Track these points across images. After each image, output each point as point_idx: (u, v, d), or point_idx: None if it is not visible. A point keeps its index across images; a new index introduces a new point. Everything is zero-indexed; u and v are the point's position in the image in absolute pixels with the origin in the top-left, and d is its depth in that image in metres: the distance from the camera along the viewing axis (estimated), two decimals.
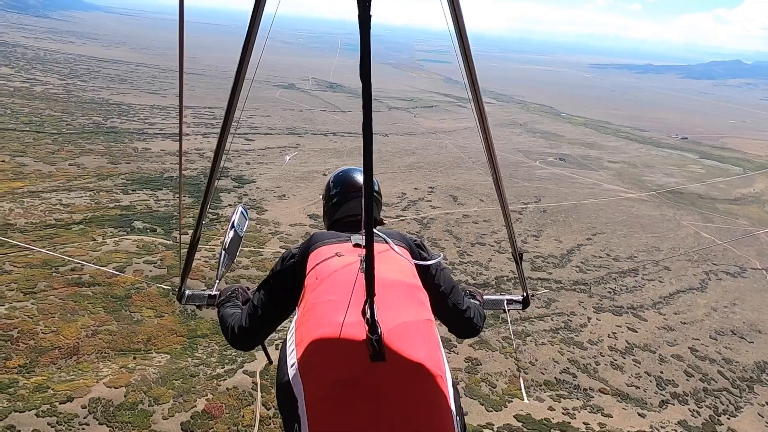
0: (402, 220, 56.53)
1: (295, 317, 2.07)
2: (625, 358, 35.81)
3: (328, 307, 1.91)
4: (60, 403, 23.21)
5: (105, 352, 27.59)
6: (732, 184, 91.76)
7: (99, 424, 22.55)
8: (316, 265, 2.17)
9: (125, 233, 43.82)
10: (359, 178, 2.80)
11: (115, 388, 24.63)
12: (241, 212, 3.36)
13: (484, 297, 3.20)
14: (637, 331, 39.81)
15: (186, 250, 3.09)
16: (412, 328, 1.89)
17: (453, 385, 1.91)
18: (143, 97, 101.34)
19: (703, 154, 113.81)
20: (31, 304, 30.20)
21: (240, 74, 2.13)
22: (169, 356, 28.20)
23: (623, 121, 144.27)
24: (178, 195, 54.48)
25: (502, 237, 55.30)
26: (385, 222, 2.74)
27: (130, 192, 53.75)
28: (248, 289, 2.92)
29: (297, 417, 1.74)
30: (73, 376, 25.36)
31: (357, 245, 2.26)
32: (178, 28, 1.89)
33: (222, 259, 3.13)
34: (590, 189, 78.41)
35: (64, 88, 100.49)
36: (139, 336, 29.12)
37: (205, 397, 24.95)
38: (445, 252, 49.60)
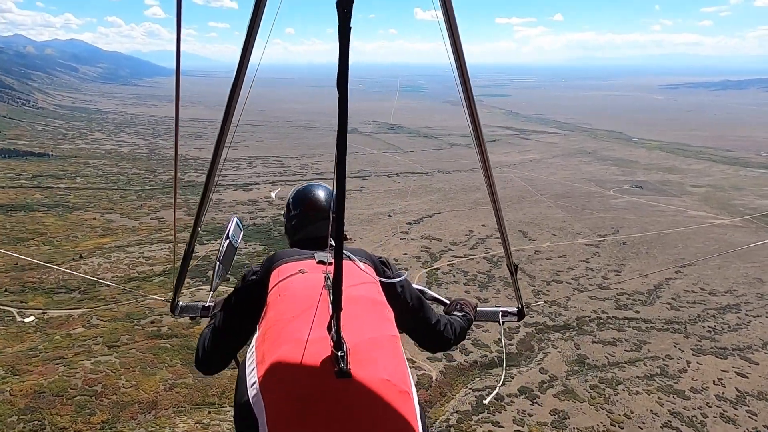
0: (471, 259, 54.78)
1: (256, 335, 1.97)
2: (737, 409, 31.48)
3: (291, 324, 1.86)
4: None
5: (182, 407, 27.86)
6: None
7: None
8: (279, 282, 2.11)
9: (200, 283, 45.30)
10: (321, 196, 2.80)
11: None
12: (236, 223, 3.33)
13: (478, 309, 3.18)
14: (748, 377, 35.15)
15: (180, 261, 3.04)
16: (378, 344, 1.84)
17: (418, 402, 1.84)
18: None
19: None
20: (115, 357, 31.42)
21: (240, 74, 1.99)
22: None
23: (704, 142, 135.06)
24: (249, 243, 56.13)
25: (580, 273, 52.05)
26: (349, 238, 2.52)
27: (206, 242, 56.03)
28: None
29: None
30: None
31: (321, 262, 2.24)
32: (176, 28, 1.86)
33: (216, 270, 3.09)
34: (673, 216, 72.91)
35: (147, 147, 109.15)
36: (214, 389, 29.25)
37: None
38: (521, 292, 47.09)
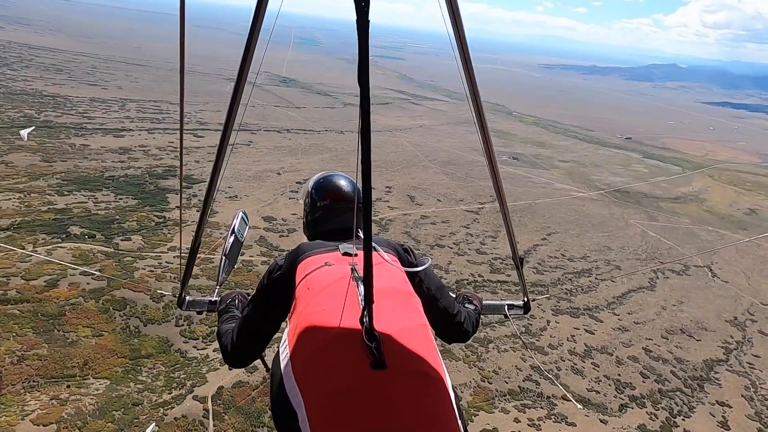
0: None
1: (287, 330, 2.01)
2: (584, 362, 36.07)
3: (322, 317, 1.87)
4: None
5: (33, 381, 24.67)
6: (673, 183, 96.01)
7: None
8: (306, 275, 2.11)
9: (60, 240, 40.20)
10: (347, 187, 2.77)
11: (44, 425, 21.89)
12: (242, 217, 3.34)
13: (484, 302, 3.20)
14: (594, 333, 40.31)
15: (187, 255, 3.08)
16: (410, 333, 1.86)
17: (453, 389, 1.88)
18: (81, 88, 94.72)
19: (645, 153, 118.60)
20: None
21: (242, 73, 1.97)
22: (108, 382, 25.52)
23: (572, 121, 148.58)
24: (119, 196, 50.79)
25: (461, 239, 55.05)
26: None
27: (66, 193, 49.59)
28: (248, 296, 2.81)
29: (297, 430, 1.70)
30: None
31: (346, 254, 2.23)
32: (180, 27, 1.83)
33: (222, 264, 3.09)
34: (543, 188, 79.77)
35: None
36: (74, 359, 26.25)
37: (151, 430, 22.73)
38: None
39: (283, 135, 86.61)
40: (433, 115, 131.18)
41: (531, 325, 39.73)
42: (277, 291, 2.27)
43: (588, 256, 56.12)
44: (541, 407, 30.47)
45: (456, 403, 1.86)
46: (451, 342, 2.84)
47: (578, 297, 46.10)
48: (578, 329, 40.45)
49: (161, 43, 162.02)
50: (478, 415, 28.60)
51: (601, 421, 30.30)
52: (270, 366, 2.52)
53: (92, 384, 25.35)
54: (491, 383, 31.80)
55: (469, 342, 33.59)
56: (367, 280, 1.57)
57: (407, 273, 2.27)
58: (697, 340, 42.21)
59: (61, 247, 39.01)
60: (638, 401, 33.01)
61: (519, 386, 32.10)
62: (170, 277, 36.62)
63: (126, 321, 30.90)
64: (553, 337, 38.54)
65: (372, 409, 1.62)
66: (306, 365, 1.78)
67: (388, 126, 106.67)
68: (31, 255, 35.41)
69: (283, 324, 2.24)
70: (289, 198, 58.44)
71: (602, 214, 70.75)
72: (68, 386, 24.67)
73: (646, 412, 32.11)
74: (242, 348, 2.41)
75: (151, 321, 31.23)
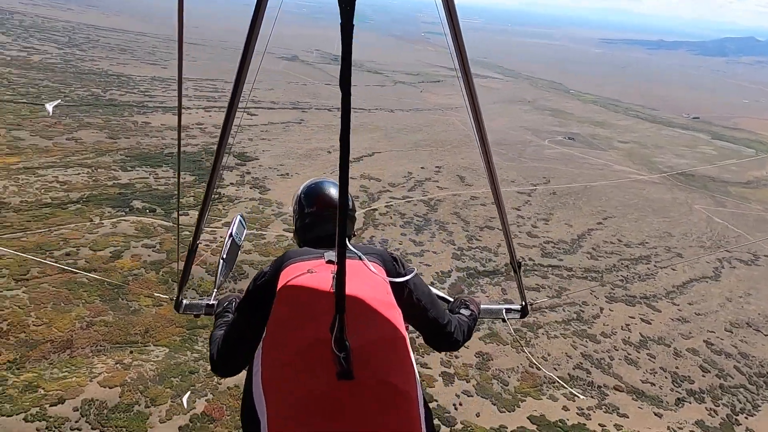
0: (408, 201, 54.99)
1: (264, 335, 1.98)
2: (639, 353, 34.71)
3: (296, 325, 1.86)
4: (50, 406, 22.08)
5: (100, 345, 26.39)
6: (744, 166, 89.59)
7: (92, 429, 21.41)
8: (287, 282, 2.09)
9: (123, 213, 42.39)
10: (333, 194, 2.75)
11: (110, 387, 23.39)
12: (240, 221, 3.34)
13: (482, 307, 3.17)
14: (651, 323, 38.64)
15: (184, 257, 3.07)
16: (383, 345, 1.84)
17: (425, 406, 1.85)
18: (143, 68, 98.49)
19: (714, 134, 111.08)
20: (23, 292, 28.90)
21: (243, 69, 1.86)
22: (167, 350, 26.92)
23: (634, 99, 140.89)
24: (178, 179, 52.86)
25: (511, 221, 53.79)
26: (355, 235, 2.72)
27: (129, 169, 52.10)
28: None
29: None
30: (66, 373, 24.19)
31: (330, 262, 2.21)
32: (178, 27, 1.77)
33: (220, 268, 3.10)
34: (600, 170, 76.48)
35: (62, 57, 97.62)
36: (137, 327, 27.83)
37: (205, 398, 23.80)
38: (453, 236, 48.19)
39: (334, 113, 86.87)
40: (485, 93, 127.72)
41: (583, 312, 38.54)
42: (260, 298, 2.23)
43: (647, 243, 53.56)
44: (592, 396, 29.65)
45: (425, 422, 1.81)
46: (442, 350, 2.82)
47: (635, 285, 44.22)
48: (633, 318, 38.88)
49: (218, 23, 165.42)
50: (525, 401, 28.18)
51: (656, 415, 29.16)
52: None
53: (153, 351, 26.85)
54: (539, 369, 31.21)
55: (517, 326, 33.14)
56: (339, 287, 1.51)
57: (395, 284, 2.24)
58: (766, 335, 39.67)
59: (125, 220, 41.14)
60: (697, 396, 31.50)
61: (569, 374, 31.34)
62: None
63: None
64: (606, 325, 37.25)
65: (334, 419, 1.61)
66: (274, 373, 1.76)
67: (438, 104, 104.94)
68: (99, 227, 37.63)
69: None
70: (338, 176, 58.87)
71: (664, 199, 67.15)
72: (131, 352, 26.23)
73: (705, 407, 30.62)
74: (227, 356, 2.37)
75: (207, 293, 32.47)
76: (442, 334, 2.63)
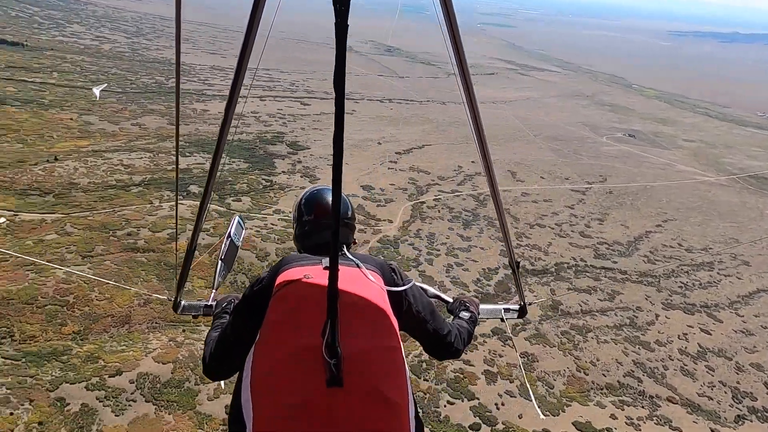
0: (457, 195, 54.32)
1: (256, 340, 1.97)
2: (696, 364, 32.86)
3: (288, 330, 1.84)
4: (109, 376, 23.44)
5: (155, 323, 27.72)
6: None
7: (145, 401, 22.62)
8: (282, 287, 2.08)
9: (181, 197, 44.12)
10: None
11: (163, 363, 24.59)
12: (238, 222, 3.37)
13: (481, 307, 3.12)
14: (711, 334, 36.48)
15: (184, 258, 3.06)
16: (376, 354, 1.81)
17: (415, 416, 1.82)
18: (204, 57, 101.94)
19: None
20: (88, 268, 30.75)
21: (240, 73, 1.86)
22: None
23: (703, 95, 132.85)
24: (232, 159, 54.43)
25: (563, 219, 52.16)
26: (356, 243, 2.72)
27: (188, 155, 54.08)
28: None
29: None
30: (124, 347, 25.60)
31: (327, 268, 2.13)
32: (176, 28, 1.80)
33: (218, 269, 3.12)
34: (662, 170, 72.73)
35: (130, 46, 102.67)
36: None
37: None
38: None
39: (385, 104, 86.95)
40: (541, 86, 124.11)
41: (636, 317, 36.90)
42: (256, 303, 2.21)
43: (710, 248, 50.53)
44: (643, 407, 28.33)
45: (416, 430, 1.78)
46: (443, 359, 3.01)
47: (695, 292, 41.85)
48: (692, 327, 36.85)
49: (273, 13, 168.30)
50: (570, 405, 27.31)
51: (712, 431, 27.56)
52: None
53: (203, 331, 27.89)
54: (587, 374, 30.13)
55: (565, 328, 32.12)
56: (332, 293, 1.50)
57: (396, 295, 2.23)
58: None
59: (181, 203, 42.84)
60: (759, 414, 29.50)
61: (618, 381, 30.09)
62: (274, 238, 38.89)
63: (234, 276, 33.39)
64: (661, 333, 35.50)
65: (321, 427, 1.57)
66: (262, 377, 1.75)
67: (491, 97, 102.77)
68: (158, 209, 39.42)
69: None
70: (388, 168, 58.94)
71: (732, 202, 63.10)
72: (183, 330, 27.40)
73: None
74: (220, 360, 2.36)
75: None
76: (443, 345, 2.60)
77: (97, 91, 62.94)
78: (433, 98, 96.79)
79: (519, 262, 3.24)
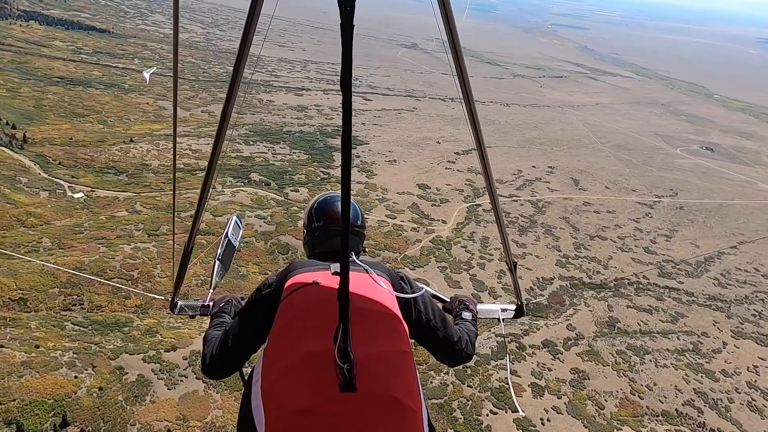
0: (515, 200, 52.94)
1: (265, 345, 1.99)
2: (767, 400, 30.35)
3: (299, 335, 1.83)
4: (165, 351, 24.61)
5: None
6: None
7: (196, 378, 23.59)
8: (291, 292, 2.07)
9: (242, 184, 45.65)
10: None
11: None
12: (236, 222, 3.34)
13: (478, 307, 3.07)
14: None
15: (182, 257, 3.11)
16: (388, 358, 1.80)
17: (428, 422, 1.83)
18: (272, 49, 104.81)
19: None
20: (153, 246, 32.40)
21: (238, 74, 1.87)
22: None
23: None
24: (293, 150, 55.58)
25: (627, 233, 49.68)
26: (366, 251, 2.76)
27: (251, 143, 55.88)
28: (243, 299, 2.81)
29: None
30: (180, 324, 26.84)
31: (337, 273, 2.13)
32: (174, 27, 1.78)
33: (215, 269, 3.11)
34: (741, 187, 67.73)
35: (205, 36, 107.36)
36: (243, 291, 29.78)
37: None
38: (560, 242, 45.58)
39: (447, 104, 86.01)
40: (613, 92, 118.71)
41: (701, 343, 34.55)
42: (263, 307, 2.20)
43: None
44: None
45: None
46: (453, 366, 2.81)
47: None
48: (764, 360, 34.10)
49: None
50: (621, 429, 25.96)
51: None
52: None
53: None
54: (642, 398, 28.50)
55: (621, 348, 30.54)
56: (343, 297, 1.49)
57: (406, 303, 2.23)
58: None
59: (242, 190, 44.30)
60: None
61: (676, 409, 28.25)
62: None
63: (287, 263, 34.20)
64: (728, 363, 33.05)
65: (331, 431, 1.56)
66: (274, 383, 1.73)
67: (558, 101, 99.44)
68: (220, 194, 40.93)
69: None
70: (446, 168, 58.29)
71: None
72: None
73: None
74: (222, 360, 2.34)
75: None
76: (454, 351, 2.55)
77: (147, 74, 65.62)
78: (496, 99, 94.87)
79: (516, 262, 3.17)
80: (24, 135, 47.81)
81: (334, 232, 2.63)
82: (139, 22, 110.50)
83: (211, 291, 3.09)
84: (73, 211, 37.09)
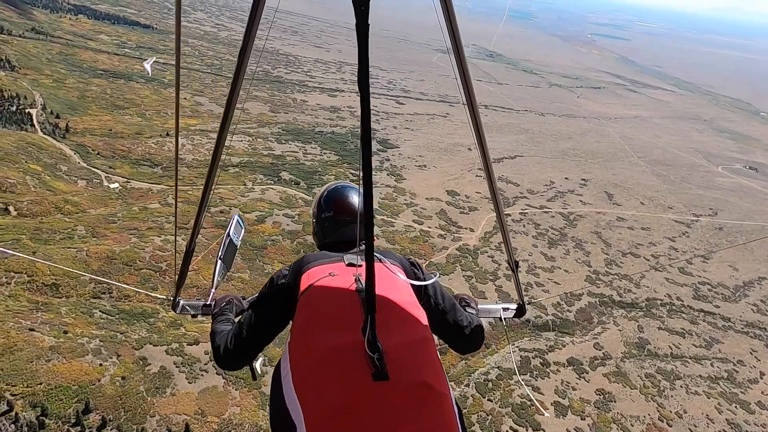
0: (546, 212, 51.87)
1: (288, 340, 1.96)
2: None
3: (324, 328, 1.84)
4: (188, 344, 24.87)
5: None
6: None
7: (216, 373, 23.74)
8: (310, 286, 2.06)
9: (272, 182, 46.04)
10: (353, 199, 2.73)
11: None
12: (237, 221, 3.30)
13: (479, 306, 3.08)
14: None
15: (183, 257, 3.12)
16: (413, 346, 1.84)
17: (457, 405, 1.84)
18: (309, 49, 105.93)
19: None
20: (182, 239, 32.79)
21: (240, 73, 1.90)
22: None
23: None
24: (324, 150, 55.78)
25: (661, 251, 48.04)
26: (379, 237, 2.86)
27: (283, 142, 56.39)
28: (244, 299, 2.84)
29: None
30: (204, 318, 26.98)
31: (350, 264, 2.19)
32: (176, 26, 1.81)
33: (217, 268, 3.09)
34: None
35: (244, 35, 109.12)
36: None
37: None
38: (590, 257, 44.37)
39: (481, 110, 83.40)
40: (652, 105, 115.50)
41: (737, 372, 33.02)
42: (278, 300, 2.22)
43: None
44: None
45: (459, 419, 1.79)
46: (465, 352, 2.79)
47: None
48: None
49: (382, 10, 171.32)
50: None
51: None
52: (257, 374, 2.61)
53: None
54: (671, 425, 27.35)
55: (650, 371, 29.43)
56: (369, 288, 1.55)
57: (416, 289, 2.24)
58: None
59: (272, 188, 44.66)
60: None
61: None
62: None
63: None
64: (765, 395, 31.48)
65: (374, 422, 1.58)
66: (306, 377, 1.73)
67: (595, 113, 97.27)
68: (250, 191, 41.33)
69: (284, 334, 2.21)
70: (476, 176, 57.58)
71: None
72: None
73: None
74: (237, 352, 2.35)
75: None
76: (465, 337, 2.57)
77: (147, 65, 66.57)
78: (531, 108, 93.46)
79: (518, 262, 3.19)
80: (67, 125, 49.47)
81: (344, 222, 2.63)
82: (182, 19, 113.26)
83: (213, 290, 3.07)
84: (108, 200, 38.08)
